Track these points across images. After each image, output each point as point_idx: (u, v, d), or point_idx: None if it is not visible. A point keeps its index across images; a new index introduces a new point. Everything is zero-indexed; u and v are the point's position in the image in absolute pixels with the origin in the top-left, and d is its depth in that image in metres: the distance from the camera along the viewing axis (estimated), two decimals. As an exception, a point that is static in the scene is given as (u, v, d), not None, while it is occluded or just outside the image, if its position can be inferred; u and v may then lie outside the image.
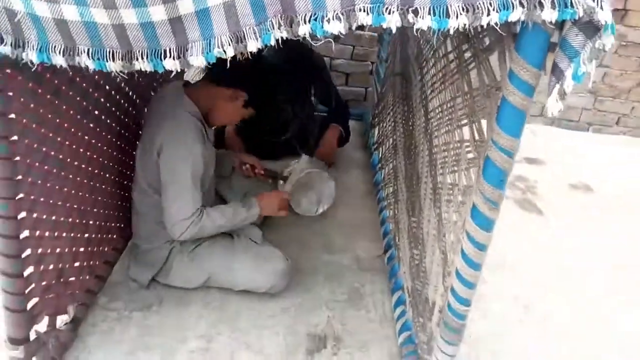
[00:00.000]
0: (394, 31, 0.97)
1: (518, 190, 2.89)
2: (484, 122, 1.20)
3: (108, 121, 1.69)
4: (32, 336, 1.39)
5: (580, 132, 3.89)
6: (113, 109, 1.72)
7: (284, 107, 2.57)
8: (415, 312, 1.68)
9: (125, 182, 1.89)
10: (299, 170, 2.17)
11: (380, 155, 2.70)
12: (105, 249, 1.80)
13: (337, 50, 3.45)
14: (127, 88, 1.80)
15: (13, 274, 1.26)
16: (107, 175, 1.74)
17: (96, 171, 1.64)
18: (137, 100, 1.91)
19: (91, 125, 1.57)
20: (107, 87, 1.64)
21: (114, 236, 1.85)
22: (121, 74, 1.00)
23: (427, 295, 1.57)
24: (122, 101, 1.79)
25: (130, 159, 1.90)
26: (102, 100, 1.63)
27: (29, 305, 1.35)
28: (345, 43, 3.45)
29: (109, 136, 1.71)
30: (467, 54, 1.34)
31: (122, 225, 1.89)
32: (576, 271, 2.20)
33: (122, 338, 1.61)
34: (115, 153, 1.78)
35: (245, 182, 2.15)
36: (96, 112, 1.59)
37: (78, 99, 1.45)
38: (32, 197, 1.28)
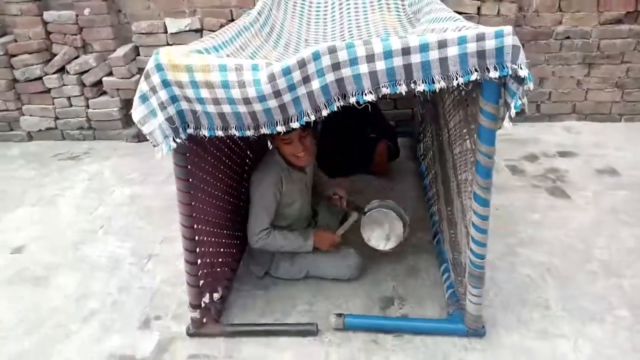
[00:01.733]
0: (403, 94, 1.66)
1: (549, 180, 3.41)
2: (475, 137, 1.85)
3: (230, 164, 2.50)
4: (202, 305, 2.17)
5: (612, 124, 4.30)
6: (233, 156, 2.53)
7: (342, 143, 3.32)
8: (455, 274, 2.31)
9: (241, 204, 2.68)
10: (373, 207, 2.45)
11: (425, 165, 3.35)
12: (234, 251, 2.59)
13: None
14: (233, 145, 2.61)
15: (192, 262, 2.05)
16: (231, 200, 2.53)
17: (225, 197, 2.43)
18: (243, 146, 2.72)
19: (222, 167, 2.38)
20: (229, 141, 2.44)
21: (237, 242, 2.64)
22: (252, 137, 1.78)
23: (461, 260, 2.20)
24: (238, 150, 2.60)
25: (242, 188, 2.70)
26: (227, 150, 2.43)
27: (200, 284, 2.13)
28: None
29: (231, 174, 2.50)
30: (462, 94, 2.01)
31: (241, 234, 2.67)
32: (596, 239, 2.73)
33: (254, 307, 2.37)
34: (234, 184, 2.58)
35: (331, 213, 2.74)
36: (223, 158, 2.40)
37: (215, 152, 2.26)
38: (197, 214, 2.08)
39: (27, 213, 3.37)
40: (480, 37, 1.53)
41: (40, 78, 4.34)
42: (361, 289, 2.46)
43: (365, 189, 3.36)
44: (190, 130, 1.79)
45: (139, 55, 4.34)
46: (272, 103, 1.67)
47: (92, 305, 2.46)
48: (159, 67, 1.68)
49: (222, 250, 2.41)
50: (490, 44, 1.54)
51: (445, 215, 2.54)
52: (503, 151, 3.83)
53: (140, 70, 4.33)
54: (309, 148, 2.24)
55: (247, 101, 1.67)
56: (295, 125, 1.72)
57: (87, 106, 4.43)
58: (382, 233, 2.41)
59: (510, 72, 1.55)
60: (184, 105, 1.74)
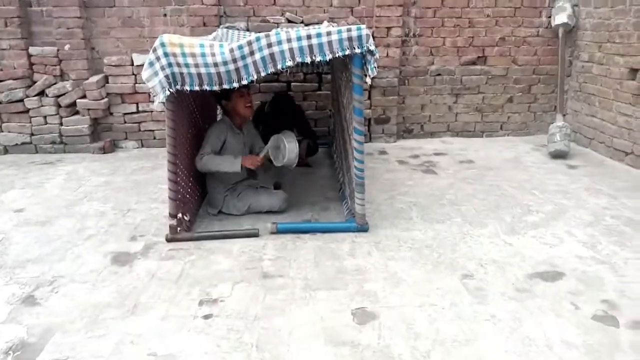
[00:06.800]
0: (308, 62, 2.86)
1: (424, 166, 4.72)
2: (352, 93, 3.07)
3: (193, 120, 3.56)
4: (178, 217, 3.14)
5: (476, 138, 5.79)
6: (196, 114, 3.60)
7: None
8: (351, 201, 3.45)
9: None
10: (272, 141, 3.48)
11: (335, 157, 4.57)
12: (198, 194, 3.59)
13: (306, 105, 5.43)
14: (196, 105, 3.69)
15: (173, 180, 3.04)
16: (194, 152, 3.56)
17: (190, 148, 3.47)
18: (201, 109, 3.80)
19: (189, 123, 3.44)
20: (193, 104, 3.53)
21: (198, 187, 3.65)
22: (217, 90, 2.90)
23: (353, 190, 3.34)
24: (198, 117, 3.68)
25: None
26: (193, 109, 3.51)
27: (177, 199, 3.11)
28: (311, 100, 5.45)
29: (196, 128, 3.57)
30: (348, 75, 3.26)
31: (203, 182, 3.67)
32: (449, 190, 3.99)
33: (212, 227, 3.36)
34: (196, 135, 3.61)
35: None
36: (190, 114, 3.47)
37: (186, 108, 3.34)
38: (177, 154, 3.10)
39: (19, 193, 4.16)
40: (349, 30, 2.80)
41: (21, 100, 5.21)
42: (288, 217, 3.53)
43: (295, 172, 4.50)
44: (178, 86, 2.88)
45: (108, 82, 5.36)
46: (231, 67, 2.82)
47: (90, 233, 3.34)
48: (163, 44, 2.79)
49: (189, 188, 3.42)
50: (355, 33, 2.80)
51: (344, 168, 3.72)
52: (395, 154, 5.15)
53: (109, 95, 5.35)
54: (251, 103, 3.53)
55: (215, 65, 2.80)
56: (244, 82, 2.86)
57: (61, 124, 5.31)
58: (279, 154, 3.41)
59: (366, 49, 2.81)
60: (176, 69, 2.84)
